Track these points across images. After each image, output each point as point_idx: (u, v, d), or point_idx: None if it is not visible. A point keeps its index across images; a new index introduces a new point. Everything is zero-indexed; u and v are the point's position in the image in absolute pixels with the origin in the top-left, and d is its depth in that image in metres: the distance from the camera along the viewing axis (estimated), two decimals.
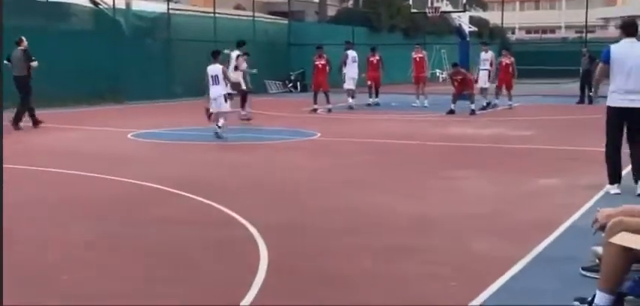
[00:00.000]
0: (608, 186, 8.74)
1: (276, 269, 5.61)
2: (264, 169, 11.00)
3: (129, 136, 15.11)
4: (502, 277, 5.36)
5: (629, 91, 8.38)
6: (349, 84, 22.76)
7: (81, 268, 5.73)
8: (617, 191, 8.58)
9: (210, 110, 14.94)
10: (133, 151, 13.10)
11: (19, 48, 16.92)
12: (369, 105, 23.57)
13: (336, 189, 9.31)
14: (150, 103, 24.16)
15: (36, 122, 16.88)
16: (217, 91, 14.77)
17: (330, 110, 20.97)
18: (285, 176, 10.30)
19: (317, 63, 22.09)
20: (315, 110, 21.14)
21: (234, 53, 19.20)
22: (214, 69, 14.94)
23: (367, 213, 7.77)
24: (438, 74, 44.04)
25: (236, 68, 18.83)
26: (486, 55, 22.34)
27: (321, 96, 21.54)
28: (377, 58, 24.32)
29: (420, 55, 24.35)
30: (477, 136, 15.25)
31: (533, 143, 14.10)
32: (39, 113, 17.30)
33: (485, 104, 22.02)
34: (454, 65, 21.99)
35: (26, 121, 16.68)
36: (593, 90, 8.78)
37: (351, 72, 22.85)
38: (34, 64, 16.87)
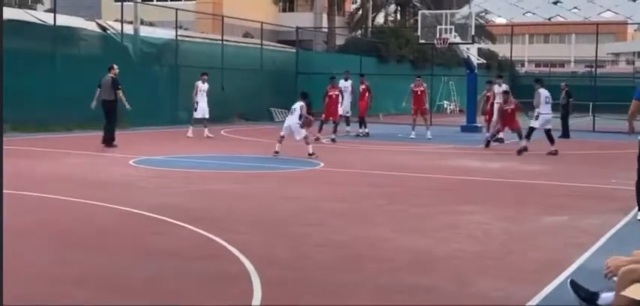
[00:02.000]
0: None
1: None
2: (265, 200, 10.75)
3: (131, 162, 14.91)
4: None
5: None
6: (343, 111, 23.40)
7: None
8: None
9: (282, 134, 16.65)
10: (133, 178, 12.87)
11: (109, 75, 18.08)
12: (357, 135, 23.52)
13: (336, 222, 9.06)
14: (155, 129, 24.01)
15: (110, 142, 17.68)
16: (290, 120, 16.64)
17: (333, 140, 20.82)
18: (285, 208, 10.05)
19: (331, 93, 22.22)
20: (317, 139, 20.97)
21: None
22: (295, 103, 16.87)
23: (368, 248, 7.51)
24: (445, 106, 43.88)
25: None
26: (500, 89, 22.08)
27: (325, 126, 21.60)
28: (363, 87, 24.27)
29: (421, 89, 23.94)
30: (483, 170, 15.00)
31: (542, 178, 13.83)
32: (41, 138, 17.15)
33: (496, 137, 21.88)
34: (505, 93, 20.27)
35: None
36: (628, 124, 9.39)
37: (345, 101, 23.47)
38: (120, 92, 18.02)
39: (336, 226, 8.78)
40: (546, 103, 18.65)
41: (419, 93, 23.80)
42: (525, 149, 18.00)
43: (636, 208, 9.26)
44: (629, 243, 7.44)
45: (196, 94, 21.88)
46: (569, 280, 5.50)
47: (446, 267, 6.79)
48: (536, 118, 18.58)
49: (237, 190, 11.77)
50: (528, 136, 18.50)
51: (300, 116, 16.53)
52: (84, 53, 25.42)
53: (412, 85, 24.15)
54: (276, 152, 16.41)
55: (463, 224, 9.01)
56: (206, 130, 21.65)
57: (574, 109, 24.70)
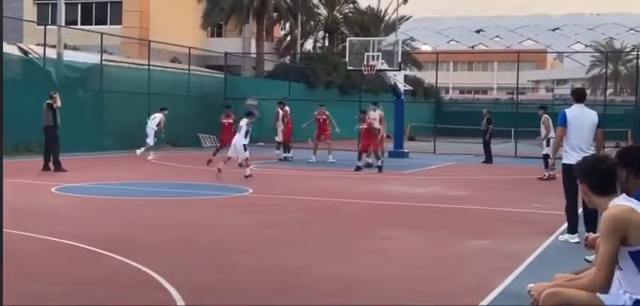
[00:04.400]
0: (567, 235, 9.41)
1: None
2: (192, 227, 10.62)
3: (53, 189, 14.53)
4: None
5: (582, 149, 9.05)
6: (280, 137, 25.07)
7: None
8: (577, 240, 9.03)
9: (229, 155, 17.34)
10: (57, 206, 12.56)
11: (47, 101, 18.69)
12: (285, 159, 24.45)
13: (265, 249, 9.02)
14: (79, 156, 23.45)
15: (58, 166, 18.16)
16: (237, 138, 17.09)
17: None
18: (213, 234, 9.96)
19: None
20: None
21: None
22: (241, 121, 17.49)
23: (296, 275, 7.49)
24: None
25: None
26: (374, 114, 22.40)
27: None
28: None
29: (324, 117, 24.77)
30: (409, 195, 15.19)
31: (465, 203, 14.08)
32: None
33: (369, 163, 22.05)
34: (363, 112, 22.40)
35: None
36: (552, 153, 9.68)
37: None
38: (58, 103, 18.66)
39: (264, 252, 8.74)
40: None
41: (321, 120, 24.69)
42: (553, 177, 17.75)
43: (558, 231, 9.55)
44: (551, 265, 7.64)
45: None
46: None
47: (375, 293, 6.82)
48: (548, 144, 18.57)
49: (164, 217, 11.59)
50: (548, 165, 18.29)
51: (246, 133, 17.03)
52: (4, 77, 24.61)
53: (315, 113, 24.98)
54: (219, 170, 17.00)
55: (390, 249, 9.09)
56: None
57: (492, 135, 25.13)
